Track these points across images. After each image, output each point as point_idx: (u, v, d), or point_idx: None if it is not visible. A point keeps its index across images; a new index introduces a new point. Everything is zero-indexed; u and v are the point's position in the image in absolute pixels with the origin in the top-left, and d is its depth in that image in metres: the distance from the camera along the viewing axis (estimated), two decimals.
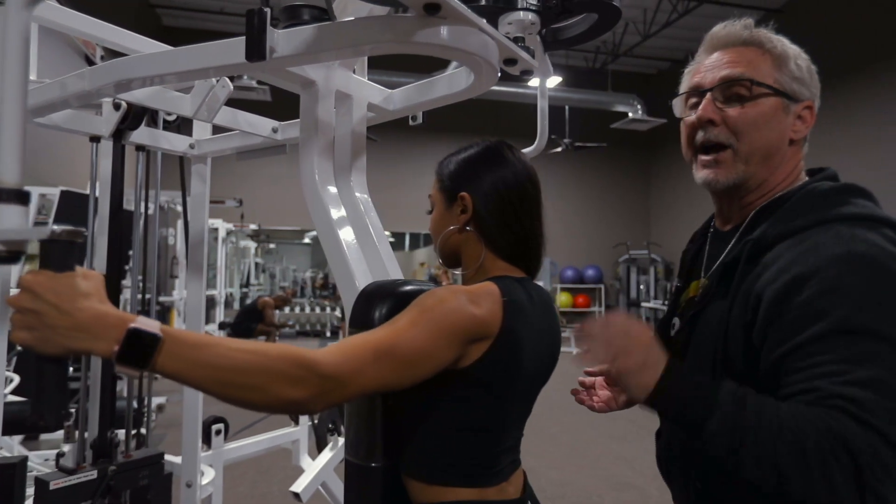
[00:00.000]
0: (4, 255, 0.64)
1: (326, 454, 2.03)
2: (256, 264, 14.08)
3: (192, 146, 1.82)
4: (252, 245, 13.21)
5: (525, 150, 1.47)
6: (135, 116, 1.60)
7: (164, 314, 7.04)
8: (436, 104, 1.34)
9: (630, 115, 10.73)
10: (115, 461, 1.63)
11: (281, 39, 0.96)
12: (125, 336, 0.65)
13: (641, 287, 13.79)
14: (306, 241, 16.14)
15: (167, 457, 2.20)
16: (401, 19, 0.91)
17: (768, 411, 0.70)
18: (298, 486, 1.90)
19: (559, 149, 10.08)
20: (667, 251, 13.73)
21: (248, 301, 10.29)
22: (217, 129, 1.87)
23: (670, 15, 10.46)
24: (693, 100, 0.96)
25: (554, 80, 10.71)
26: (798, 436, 0.66)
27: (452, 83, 1.23)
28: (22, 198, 0.65)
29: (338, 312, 11.59)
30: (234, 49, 0.98)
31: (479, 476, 0.94)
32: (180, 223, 8.06)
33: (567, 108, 11.38)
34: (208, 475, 2.05)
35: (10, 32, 0.69)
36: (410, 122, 1.44)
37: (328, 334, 11.64)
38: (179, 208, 7.80)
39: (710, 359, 0.86)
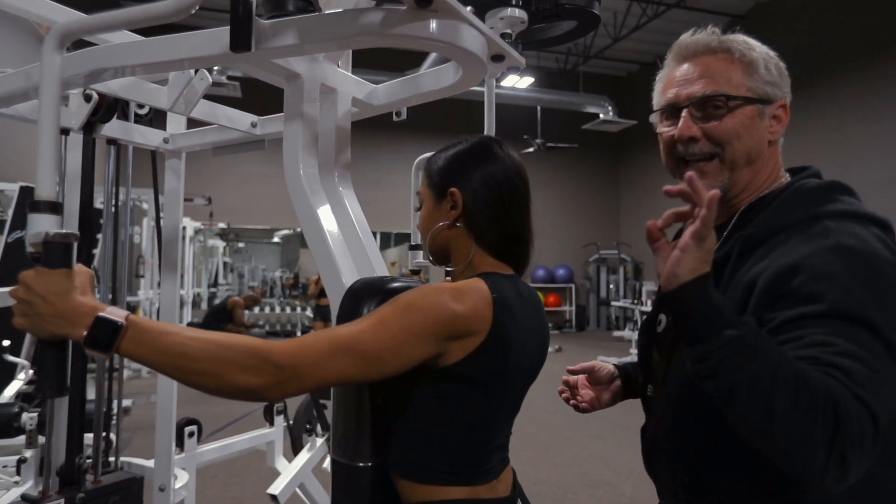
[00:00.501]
0: (35, 256, 0.77)
1: (304, 455, 1.99)
2: (225, 264, 13.82)
3: (166, 140, 1.77)
4: (220, 244, 12.96)
5: None
6: (107, 108, 1.54)
7: None
8: (421, 100, 1.32)
9: (601, 116, 10.88)
10: (83, 488, 1.56)
11: (267, 30, 0.94)
12: (92, 322, 0.74)
13: (611, 286, 13.99)
14: (276, 240, 15.91)
15: (137, 461, 2.14)
16: (392, 12, 0.90)
17: (782, 355, 0.69)
18: (276, 489, 1.86)
19: (531, 149, 10.16)
20: (636, 251, 13.96)
21: (217, 301, 10.10)
22: (191, 124, 1.82)
23: (640, 18, 10.65)
24: (668, 115, 0.97)
25: (526, 81, 10.79)
26: (801, 383, 0.66)
27: (439, 79, 1.22)
28: (55, 208, 0.77)
29: (308, 312, 11.46)
30: (217, 39, 0.96)
31: (469, 474, 0.93)
32: (146, 221, 7.86)
33: (539, 108, 11.48)
34: (181, 479, 2.00)
35: (47, 70, 0.81)
36: (394, 118, 1.42)
37: (299, 334, 11.51)
38: (145, 206, 7.60)
39: None
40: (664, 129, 0.98)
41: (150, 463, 2.06)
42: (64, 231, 0.76)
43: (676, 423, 0.92)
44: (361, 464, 0.97)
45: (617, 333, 11.79)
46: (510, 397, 0.97)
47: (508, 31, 1.22)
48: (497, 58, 1.17)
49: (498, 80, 1.27)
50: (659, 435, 0.98)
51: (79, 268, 0.78)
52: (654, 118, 1.01)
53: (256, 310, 11.19)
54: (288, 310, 12.24)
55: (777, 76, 0.92)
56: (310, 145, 1.14)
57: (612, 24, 11.06)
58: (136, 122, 1.94)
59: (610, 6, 10.48)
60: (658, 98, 1.00)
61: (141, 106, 2.13)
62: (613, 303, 12.28)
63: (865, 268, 0.75)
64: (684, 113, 0.93)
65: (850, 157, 8.52)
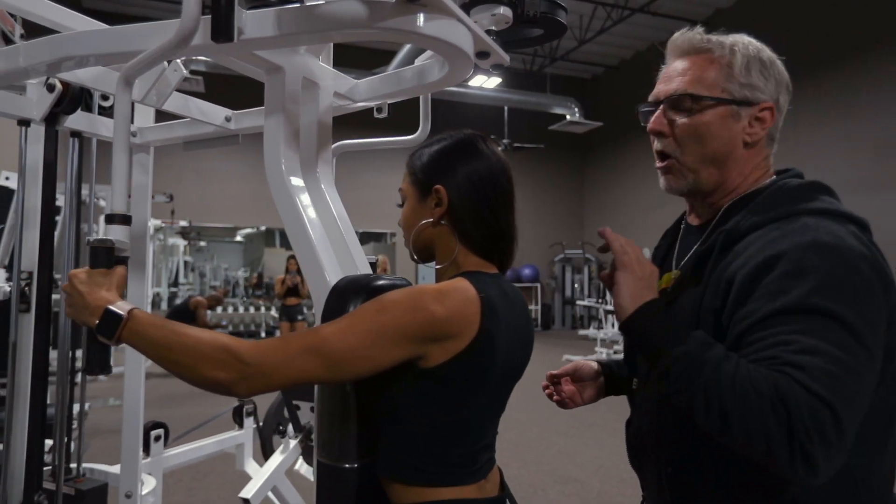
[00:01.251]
0: (118, 258, 0.93)
1: (277, 457, 1.95)
2: (186, 263, 13.47)
3: (133, 134, 1.70)
4: (181, 243, 12.63)
5: (409, 137, 1.54)
6: (72, 99, 1.48)
7: None
8: (403, 96, 1.31)
9: (568, 117, 11.01)
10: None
11: (249, 20, 0.91)
12: (101, 313, 0.87)
13: (576, 286, 14.19)
14: (238, 239, 15.60)
15: (101, 467, 2.06)
16: (379, 4, 0.88)
17: (730, 360, 0.74)
18: (248, 492, 1.81)
19: (499, 149, 10.21)
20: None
21: (178, 301, 9.84)
22: (159, 117, 1.76)
23: (605, 22, 10.82)
24: (651, 111, 1.00)
25: (494, 81, 10.84)
26: (747, 385, 0.70)
27: (423, 75, 1.20)
28: (127, 220, 0.93)
29: (274, 312, 11.27)
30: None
31: (458, 475, 0.92)
32: (102, 219, 7.58)
33: (506, 108, 11.55)
34: (148, 484, 1.93)
35: (120, 101, 0.93)
36: (375, 115, 1.40)
37: (263, 335, 11.30)
38: (103, 203, 7.34)
39: None
40: (645, 123, 1.00)
41: (114, 469, 1.99)
42: (102, 237, 0.92)
43: (660, 416, 0.94)
44: (347, 465, 0.95)
45: (582, 332, 11.96)
46: (497, 397, 0.97)
47: (493, 28, 1.22)
48: (482, 55, 1.16)
49: (466, 80, 1.26)
50: (644, 428, 0.99)
51: (116, 268, 0.92)
52: (643, 113, 1.03)
53: (219, 310, 10.95)
54: (252, 310, 12.01)
55: (760, 79, 0.93)
56: (291, 140, 1.11)
57: (577, 26, 11.22)
58: (99, 114, 1.87)
59: (576, 9, 10.63)
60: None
61: (105, 97, 2.05)
62: (578, 302, 12.46)
63: (840, 264, 0.77)
64: (660, 108, 0.97)
65: (823, 157, 8.79)
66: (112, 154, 0.92)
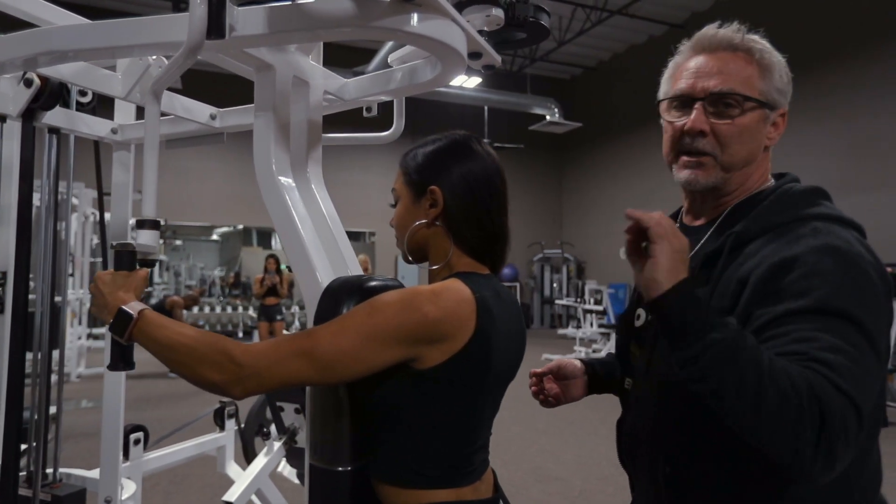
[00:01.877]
0: (144, 261, 0.98)
1: (261, 459, 1.92)
2: (160, 262, 13.23)
3: (114, 131, 1.66)
4: None
5: (383, 134, 1.55)
6: (50, 94, 1.43)
7: (55, 315, 6.44)
8: (393, 95, 1.30)
9: (548, 117, 11.07)
10: None
11: (241, 17, 0.90)
12: (115, 313, 0.91)
13: (555, 285, 14.30)
14: (215, 237, 15.37)
15: (77, 471, 2.01)
16: (373, 3, 0.87)
17: (765, 352, 0.73)
18: (232, 495, 1.79)
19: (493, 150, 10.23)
20: (579, 250, 14.32)
21: (154, 301, 9.67)
22: (140, 114, 1.72)
23: (584, 24, 10.92)
24: (678, 105, 0.96)
25: (474, 81, 10.85)
26: (785, 380, 0.69)
27: (415, 74, 1.20)
28: (156, 225, 0.98)
29: (252, 312, 11.14)
30: (186, 24, 0.90)
31: (454, 477, 0.92)
32: (75, 217, 7.41)
33: (486, 108, 11.58)
34: (128, 489, 1.89)
35: (150, 114, 0.98)
36: (365, 114, 1.39)
37: (240, 335, 11.15)
38: (75, 201, 7.17)
39: None
40: (673, 119, 0.97)
41: (91, 473, 1.94)
42: (125, 241, 0.98)
43: (658, 415, 0.94)
44: (341, 468, 0.94)
45: (561, 331, 12.06)
46: (493, 397, 0.97)
47: (485, 28, 1.22)
48: (474, 55, 1.16)
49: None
50: (639, 427, 0.99)
51: (139, 271, 0.97)
52: (663, 106, 0.99)
53: (196, 309, 10.78)
54: (229, 309, 11.85)
55: (786, 84, 0.94)
56: (281, 139, 1.10)
57: (557, 27, 11.29)
58: (77, 110, 1.83)
59: (555, 11, 10.69)
60: (667, 86, 0.99)
61: (83, 93, 2.01)
62: (557, 301, 12.55)
63: (852, 267, 0.79)
64: (698, 105, 0.93)
65: (778, 164, 8.98)
66: (143, 162, 0.98)
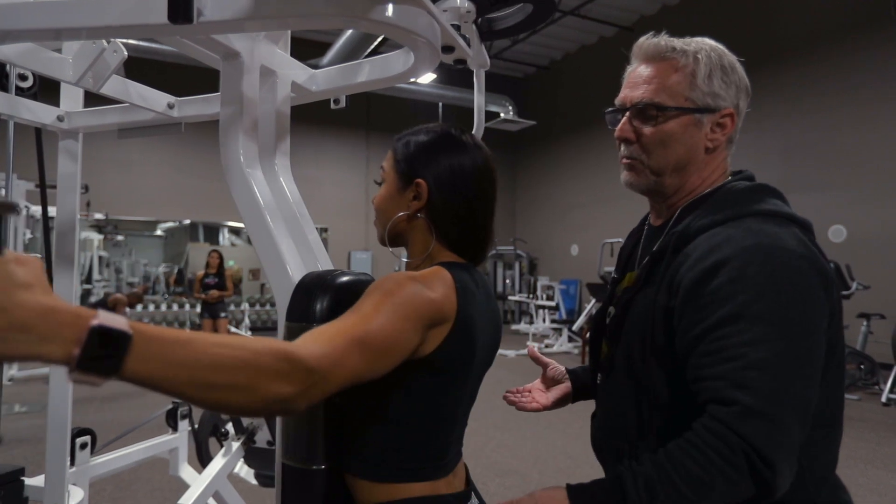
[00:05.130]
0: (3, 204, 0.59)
1: (219, 461, 1.86)
2: (101, 258, 12.65)
3: (60, 118, 1.57)
4: (96, 237, 11.85)
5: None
6: None
7: None
8: (363, 88, 1.28)
9: (502, 115, 11.15)
10: None
11: (210, 2, 0.86)
12: (87, 336, 0.51)
13: (507, 281, 14.45)
14: (159, 233, 14.80)
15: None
16: None
17: (662, 470, 0.78)
18: (188, 499, 1.73)
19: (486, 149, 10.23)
20: (531, 247, 14.51)
21: (94, 298, 9.24)
22: (89, 101, 1.64)
23: None
24: (618, 113, 1.02)
25: (429, 77, 10.83)
26: (687, 472, 0.76)
27: (386, 66, 1.18)
28: None
29: (198, 309, 10.80)
30: (150, 7, 0.86)
31: (429, 469, 0.92)
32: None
33: (441, 104, 11.57)
34: (75, 496, 1.80)
35: None
36: (332, 106, 1.36)
37: None
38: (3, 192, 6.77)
39: (639, 341, 0.92)
40: (612, 128, 1.02)
41: (33, 481, 1.84)
42: (4, 199, 0.59)
43: (622, 405, 0.96)
44: (315, 466, 0.92)
45: (514, 327, 12.20)
46: (472, 385, 0.97)
47: (456, 22, 1.21)
48: (447, 49, 1.16)
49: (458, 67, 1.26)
50: (607, 419, 1.01)
51: (19, 255, 0.52)
52: (608, 116, 1.04)
53: (139, 307, 10.38)
54: (175, 307, 11.46)
55: (722, 87, 0.95)
56: (250, 130, 1.06)
57: None
58: (17, 95, 1.72)
59: None
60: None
61: (23, 77, 1.90)
62: (510, 297, 12.69)
63: (781, 266, 0.81)
64: (626, 115, 0.98)
65: (758, 154, 9.27)
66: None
